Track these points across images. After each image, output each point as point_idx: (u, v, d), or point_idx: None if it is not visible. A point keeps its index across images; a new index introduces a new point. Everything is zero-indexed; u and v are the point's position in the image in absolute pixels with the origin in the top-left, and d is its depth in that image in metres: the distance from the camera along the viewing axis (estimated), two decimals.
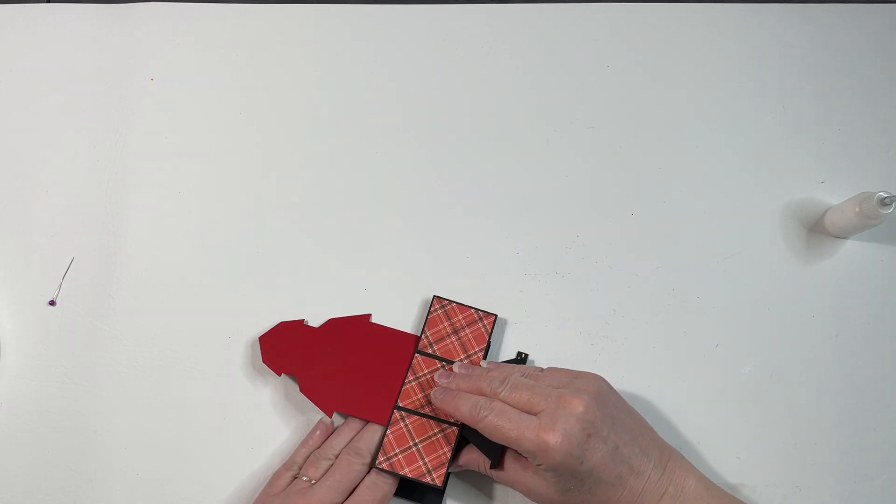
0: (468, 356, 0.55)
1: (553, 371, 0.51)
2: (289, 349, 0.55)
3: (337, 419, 0.54)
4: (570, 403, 0.46)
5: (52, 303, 0.56)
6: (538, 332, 0.56)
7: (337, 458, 0.51)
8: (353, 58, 0.62)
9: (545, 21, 0.63)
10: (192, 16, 0.62)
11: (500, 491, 0.53)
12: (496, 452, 0.52)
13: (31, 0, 0.63)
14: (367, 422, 0.53)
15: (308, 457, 0.52)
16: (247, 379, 0.55)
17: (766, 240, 0.58)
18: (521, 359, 0.55)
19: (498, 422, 0.47)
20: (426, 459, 0.52)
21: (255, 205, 0.58)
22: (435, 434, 0.53)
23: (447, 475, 0.52)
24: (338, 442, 0.52)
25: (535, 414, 0.47)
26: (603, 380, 0.50)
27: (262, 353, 0.55)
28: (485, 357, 0.55)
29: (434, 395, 0.51)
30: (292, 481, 0.51)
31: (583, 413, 0.46)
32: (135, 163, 0.59)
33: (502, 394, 0.49)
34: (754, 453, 0.53)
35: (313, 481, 0.50)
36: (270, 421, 0.54)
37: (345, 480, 0.50)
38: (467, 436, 0.53)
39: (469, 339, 0.55)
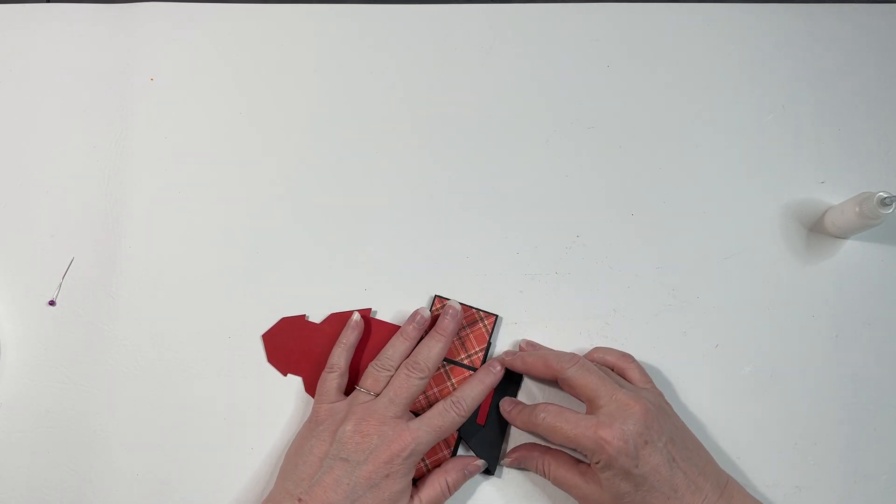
0: (468, 356, 0.55)
1: (623, 371, 0.52)
2: (292, 346, 0.55)
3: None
4: (630, 406, 0.47)
5: (52, 303, 0.56)
6: (538, 332, 0.56)
7: (396, 371, 0.51)
8: (353, 58, 0.62)
9: (545, 21, 0.63)
10: (192, 16, 0.62)
11: (498, 492, 0.53)
12: (494, 459, 0.52)
13: (31, 0, 0.63)
14: (424, 332, 0.53)
15: (346, 356, 0.52)
16: (247, 378, 0.55)
17: (766, 240, 0.58)
18: None
19: (555, 422, 0.48)
20: (427, 461, 0.53)
21: (255, 205, 0.58)
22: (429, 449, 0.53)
23: None
24: (393, 353, 0.52)
25: (595, 408, 0.48)
26: (665, 400, 0.51)
27: (266, 351, 0.55)
28: (484, 359, 0.55)
29: (503, 405, 0.53)
30: (342, 385, 0.52)
31: (642, 417, 0.46)
32: (135, 163, 0.59)
33: (569, 371, 0.49)
34: (754, 453, 0.53)
35: (372, 393, 0.50)
36: (271, 420, 0.54)
37: (404, 395, 0.49)
38: (466, 440, 0.53)
39: (470, 339, 0.55)
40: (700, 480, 0.47)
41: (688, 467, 0.47)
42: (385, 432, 0.47)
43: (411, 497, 0.49)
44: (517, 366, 0.53)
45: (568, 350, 0.55)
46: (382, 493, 0.46)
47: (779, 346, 0.56)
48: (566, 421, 0.48)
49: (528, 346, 0.55)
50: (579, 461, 0.50)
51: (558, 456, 0.51)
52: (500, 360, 0.53)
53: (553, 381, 0.53)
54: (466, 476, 0.51)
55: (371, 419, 0.48)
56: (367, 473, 0.46)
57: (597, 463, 0.47)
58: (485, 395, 0.52)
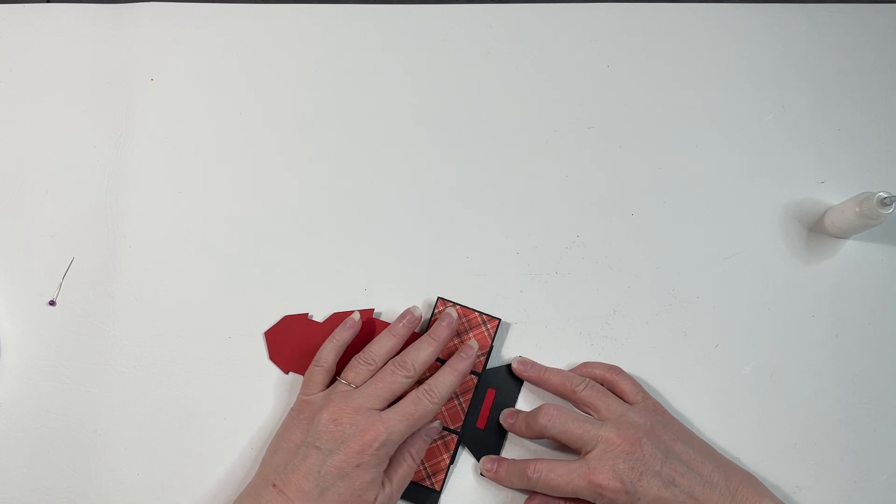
0: None
1: (612, 385, 0.52)
2: (294, 344, 0.55)
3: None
4: (616, 444, 0.47)
5: (52, 303, 0.56)
6: (538, 332, 0.56)
7: (381, 367, 0.51)
8: (353, 58, 0.62)
9: (545, 21, 0.63)
10: (192, 16, 0.62)
11: (497, 492, 0.53)
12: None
13: (31, 0, 0.63)
14: (411, 335, 0.53)
15: (335, 353, 0.52)
16: (247, 378, 0.55)
17: (766, 240, 0.58)
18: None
19: (549, 478, 0.48)
20: (426, 465, 0.53)
21: (255, 205, 0.58)
22: (434, 441, 0.53)
23: (444, 480, 0.53)
24: (378, 349, 0.51)
25: (583, 452, 0.48)
26: (658, 410, 0.51)
27: (267, 349, 0.55)
28: (486, 362, 0.55)
29: (484, 466, 0.52)
30: (327, 381, 0.51)
31: (629, 451, 0.47)
32: (135, 163, 0.59)
33: (548, 428, 0.50)
34: (754, 453, 0.53)
35: (353, 385, 0.50)
36: (271, 420, 0.54)
37: (387, 390, 0.49)
38: (465, 444, 0.53)
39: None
40: (707, 492, 0.47)
41: (691, 483, 0.47)
42: (358, 422, 0.47)
43: (382, 483, 0.48)
44: (516, 433, 0.53)
45: (567, 350, 0.55)
46: (353, 482, 0.46)
47: (779, 346, 0.56)
48: (559, 476, 0.48)
49: (520, 365, 0.54)
50: None
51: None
52: (501, 421, 0.54)
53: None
54: (427, 441, 0.51)
55: (347, 408, 0.48)
56: (337, 463, 0.46)
57: None
58: (458, 383, 0.51)
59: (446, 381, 0.50)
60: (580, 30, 0.62)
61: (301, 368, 0.55)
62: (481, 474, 0.53)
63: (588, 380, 0.52)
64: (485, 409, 0.54)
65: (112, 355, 0.55)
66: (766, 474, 0.53)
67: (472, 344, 0.53)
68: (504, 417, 0.53)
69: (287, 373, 0.55)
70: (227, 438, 0.54)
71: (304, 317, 0.56)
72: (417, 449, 0.50)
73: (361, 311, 0.55)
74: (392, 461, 0.49)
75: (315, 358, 0.52)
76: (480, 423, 0.54)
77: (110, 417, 0.54)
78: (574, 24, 0.63)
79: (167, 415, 0.54)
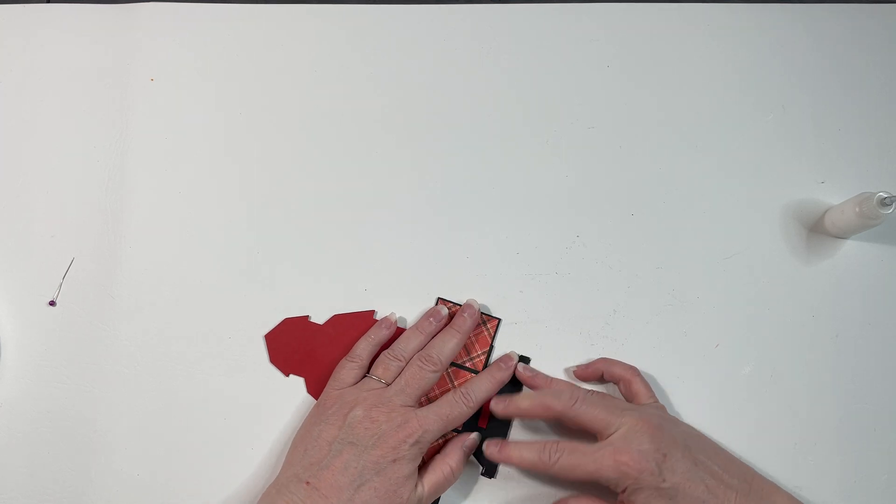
0: (471, 359, 0.55)
1: (629, 385, 0.52)
2: (294, 346, 0.55)
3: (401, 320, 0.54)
4: (640, 426, 0.47)
5: (52, 303, 0.56)
6: (538, 332, 0.56)
7: (408, 362, 0.52)
8: (353, 58, 0.62)
9: (545, 21, 0.63)
10: (192, 16, 0.62)
11: (498, 492, 0.53)
12: (494, 463, 0.52)
13: (31, 0, 0.63)
14: (437, 328, 0.54)
15: (370, 351, 0.53)
16: (248, 378, 0.55)
17: (766, 240, 0.58)
18: (521, 360, 0.55)
19: (572, 460, 0.47)
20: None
21: (255, 205, 0.58)
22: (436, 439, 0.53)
23: None
24: (406, 345, 0.53)
25: (605, 436, 0.48)
26: (666, 411, 0.52)
27: (268, 352, 0.55)
28: (486, 362, 0.55)
29: (488, 449, 0.51)
30: (359, 377, 0.52)
31: (654, 434, 0.47)
32: (134, 163, 0.59)
33: (576, 408, 0.49)
34: (754, 453, 0.53)
35: (382, 380, 0.51)
36: (271, 420, 0.54)
37: (416, 387, 0.50)
38: None
39: (472, 343, 0.55)
40: (727, 478, 0.47)
41: (712, 468, 0.47)
42: (394, 418, 0.48)
43: (416, 482, 0.49)
44: (515, 414, 0.52)
45: (567, 350, 0.55)
46: (389, 477, 0.47)
47: (779, 346, 0.56)
48: (583, 455, 0.47)
49: (525, 370, 0.53)
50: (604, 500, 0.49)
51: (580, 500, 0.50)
52: (494, 408, 0.52)
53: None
54: (466, 453, 0.52)
55: (382, 406, 0.49)
56: (374, 458, 0.47)
57: (623, 491, 0.47)
58: (495, 391, 0.52)
59: (483, 386, 0.51)
60: (580, 30, 0.62)
61: (302, 371, 0.55)
62: (482, 475, 0.53)
63: (577, 393, 0.50)
64: (486, 408, 0.54)
65: (112, 355, 0.55)
66: (766, 474, 0.53)
67: (512, 354, 0.54)
68: (494, 403, 0.51)
69: (287, 375, 0.55)
70: (228, 439, 0.54)
71: (304, 319, 0.56)
72: (457, 462, 0.51)
73: (363, 312, 0.55)
74: (429, 466, 0.50)
75: (350, 353, 0.53)
76: (482, 423, 0.54)
77: (110, 417, 0.54)
78: (574, 24, 0.63)
79: (167, 415, 0.54)
